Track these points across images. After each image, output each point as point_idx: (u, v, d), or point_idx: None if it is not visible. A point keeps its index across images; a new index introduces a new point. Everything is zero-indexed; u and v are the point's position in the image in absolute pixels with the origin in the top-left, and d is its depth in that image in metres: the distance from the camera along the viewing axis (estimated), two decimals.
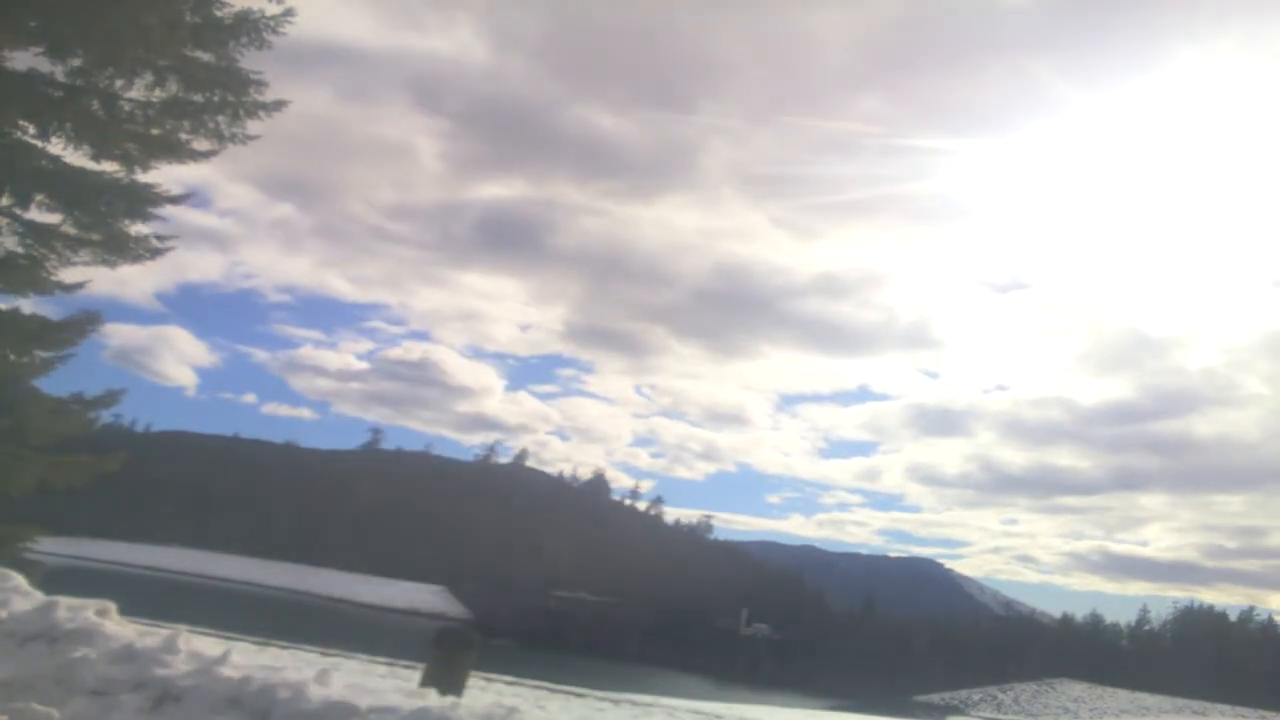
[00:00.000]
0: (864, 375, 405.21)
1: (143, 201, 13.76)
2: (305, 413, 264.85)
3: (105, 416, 19.78)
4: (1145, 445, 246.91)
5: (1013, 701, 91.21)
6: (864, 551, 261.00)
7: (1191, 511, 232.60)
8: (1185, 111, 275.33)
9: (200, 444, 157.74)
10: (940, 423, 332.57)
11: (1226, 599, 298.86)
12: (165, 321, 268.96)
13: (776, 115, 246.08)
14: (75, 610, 7.28)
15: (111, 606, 7.65)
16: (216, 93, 13.31)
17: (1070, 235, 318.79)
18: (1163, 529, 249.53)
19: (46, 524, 15.15)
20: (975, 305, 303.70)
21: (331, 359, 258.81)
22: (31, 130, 13.06)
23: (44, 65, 12.78)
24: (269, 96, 13.50)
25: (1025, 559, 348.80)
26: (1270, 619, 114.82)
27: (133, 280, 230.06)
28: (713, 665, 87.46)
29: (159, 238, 14.24)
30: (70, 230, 13.66)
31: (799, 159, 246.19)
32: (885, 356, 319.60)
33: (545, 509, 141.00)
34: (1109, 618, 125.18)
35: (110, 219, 13.73)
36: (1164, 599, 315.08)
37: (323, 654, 18.91)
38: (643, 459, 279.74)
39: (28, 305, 14.30)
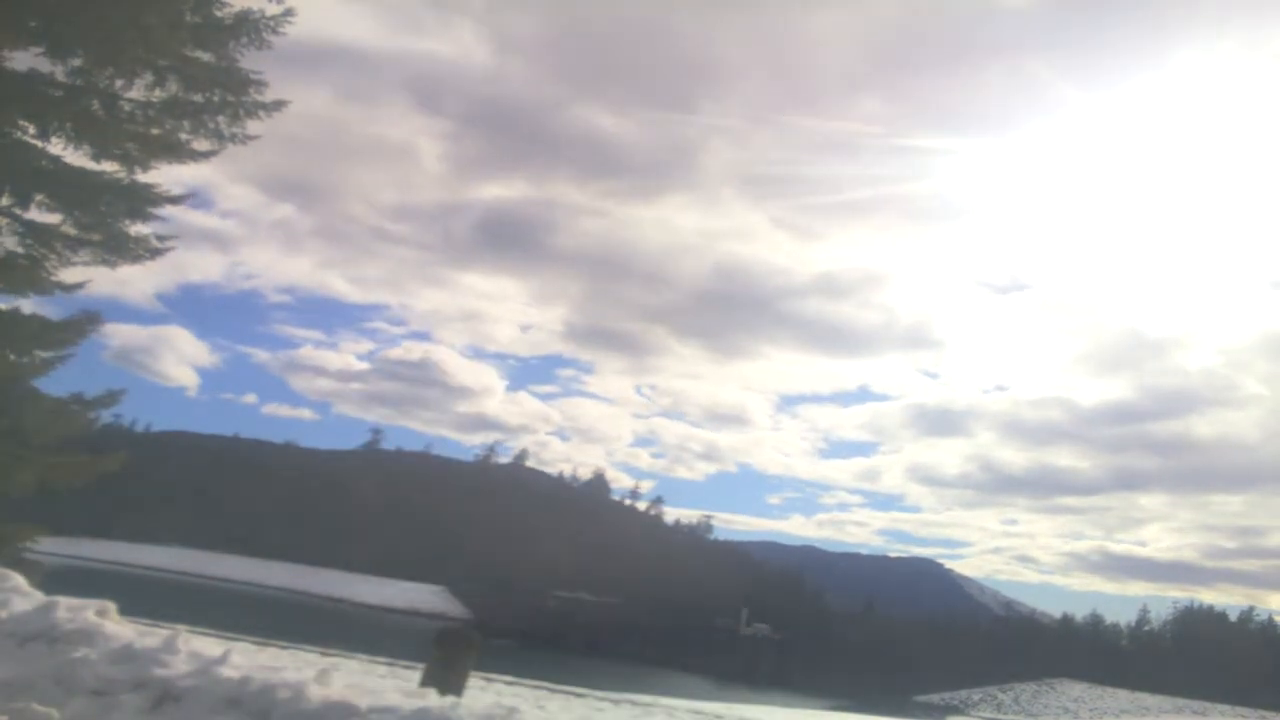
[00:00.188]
0: (864, 376, 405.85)
1: (143, 201, 13.76)
2: (306, 413, 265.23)
3: (105, 416, 19.76)
4: (1145, 446, 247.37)
5: (1013, 701, 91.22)
6: (864, 551, 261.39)
7: (1191, 512, 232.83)
8: (1185, 112, 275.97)
9: (200, 444, 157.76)
10: (940, 423, 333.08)
11: (1226, 599, 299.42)
12: (166, 322, 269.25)
13: (777, 115, 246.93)
14: (75, 610, 7.28)
15: (111, 606, 7.65)
16: (216, 93, 13.31)
17: (1070, 236, 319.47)
18: (1162, 529, 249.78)
19: (46, 524, 15.14)
20: (975, 305, 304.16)
21: (332, 359, 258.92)
22: (31, 130, 13.05)
23: (44, 65, 12.78)
24: (269, 96, 13.51)
25: (1025, 559, 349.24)
26: (1270, 619, 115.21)
27: (134, 280, 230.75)
28: (713, 665, 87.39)
29: (159, 238, 14.24)
30: (70, 230, 13.65)
31: (799, 159, 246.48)
32: (885, 357, 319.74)
33: (545, 509, 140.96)
34: (1109, 618, 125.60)
35: (110, 219, 13.73)
36: (1164, 599, 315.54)
37: (323, 654, 18.93)
38: (643, 459, 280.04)
39: (28, 305, 14.31)
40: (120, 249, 13.92)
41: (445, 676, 7.89)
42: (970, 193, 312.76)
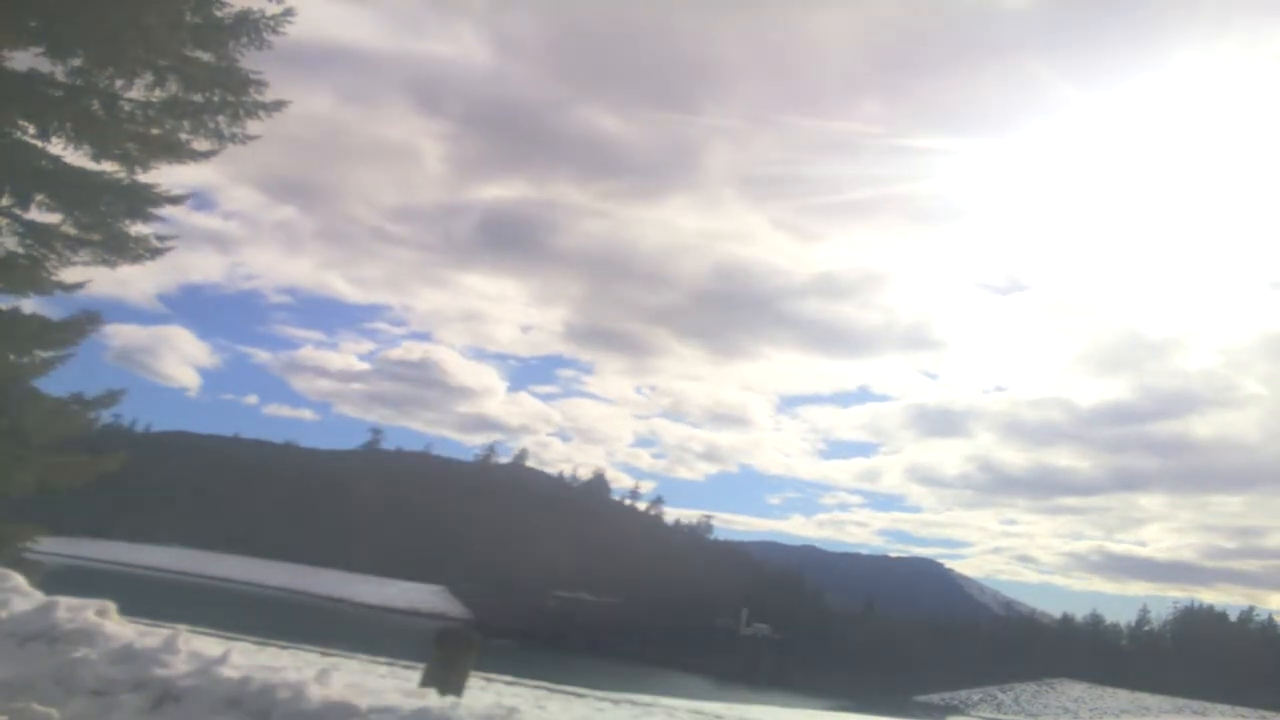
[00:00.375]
0: (864, 376, 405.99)
1: (143, 201, 13.76)
2: (307, 414, 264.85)
3: (105, 416, 19.77)
4: (1144, 446, 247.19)
5: (1013, 701, 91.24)
6: (864, 552, 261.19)
7: (1191, 512, 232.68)
8: (1184, 112, 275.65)
9: (200, 444, 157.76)
10: (940, 423, 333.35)
11: (1226, 599, 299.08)
12: (168, 322, 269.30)
13: (777, 116, 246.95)
14: (75, 610, 7.28)
15: (111, 606, 7.65)
16: (216, 93, 13.31)
17: (1069, 236, 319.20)
18: (1162, 529, 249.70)
19: (46, 524, 15.15)
20: (975, 306, 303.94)
21: (333, 360, 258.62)
22: (31, 130, 13.05)
23: (44, 65, 12.79)
24: (269, 96, 13.52)
25: (1025, 559, 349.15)
26: (1270, 619, 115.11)
27: (135, 281, 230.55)
28: (713, 665, 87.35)
29: (159, 238, 14.26)
30: (70, 230, 13.66)
31: (799, 160, 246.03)
32: (885, 357, 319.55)
33: (545, 509, 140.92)
34: (1109, 618, 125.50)
35: (110, 219, 13.73)
36: (1164, 599, 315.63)
37: (323, 654, 18.96)
38: (644, 460, 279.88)
39: (28, 305, 14.31)
40: (120, 249, 13.93)
41: (445, 676, 7.89)
42: (970, 193, 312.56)
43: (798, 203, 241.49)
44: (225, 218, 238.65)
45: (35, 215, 13.54)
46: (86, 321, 14.44)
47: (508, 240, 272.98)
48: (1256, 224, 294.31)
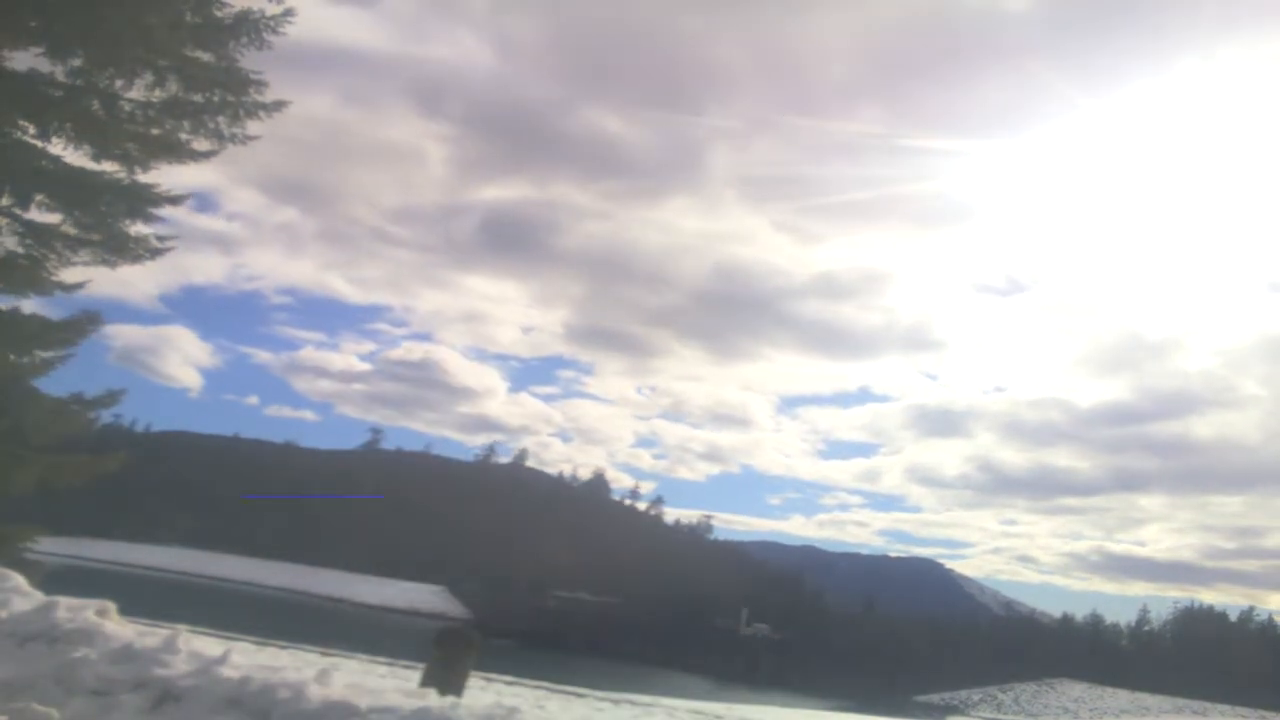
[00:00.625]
0: (865, 377, 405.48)
1: (143, 201, 13.75)
2: (308, 414, 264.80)
3: (105, 416, 19.79)
4: (1144, 446, 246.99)
5: (1013, 701, 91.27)
6: (864, 552, 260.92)
7: (1190, 512, 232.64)
8: (1184, 115, 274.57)
9: (200, 444, 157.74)
10: (940, 424, 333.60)
11: (1226, 599, 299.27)
12: (170, 323, 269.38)
13: (778, 118, 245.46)
14: (75, 610, 7.29)
15: (111, 606, 7.66)
16: (216, 93, 13.30)
17: (1069, 238, 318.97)
18: (1162, 530, 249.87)
19: (46, 524, 15.16)
20: (975, 307, 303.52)
21: (334, 360, 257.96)
22: (31, 130, 13.04)
23: (44, 65, 12.77)
24: (269, 97, 13.50)
25: (1025, 559, 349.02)
26: (1270, 619, 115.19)
27: (137, 281, 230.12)
28: (713, 665, 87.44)
29: (159, 238, 14.23)
30: (70, 230, 13.64)
31: (800, 162, 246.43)
32: (886, 358, 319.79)
33: (545, 509, 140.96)
34: (1109, 618, 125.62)
35: (110, 219, 13.72)
36: (1164, 599, 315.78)
37: (323, 654, 18.96)
38: (645, 460, 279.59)
39: (28, 305, 14.30)
40: (120, 249, 13.92)
41: (445, 676, 7.90)
42: (970, 195, 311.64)
43: (798, 204, 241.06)
44: (228, 219, 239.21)
45: (35, 215, 13.52)
46: (86, 321, 14.43)
47: (509, 241, 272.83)
48: (1255, 226, 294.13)
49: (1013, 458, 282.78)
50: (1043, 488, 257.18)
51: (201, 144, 13.68)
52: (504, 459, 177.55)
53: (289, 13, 12.96)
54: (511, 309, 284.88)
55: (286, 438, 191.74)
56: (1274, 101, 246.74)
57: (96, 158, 13.42)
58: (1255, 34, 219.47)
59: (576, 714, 16.52)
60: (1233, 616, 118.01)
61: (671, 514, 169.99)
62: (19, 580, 8.10)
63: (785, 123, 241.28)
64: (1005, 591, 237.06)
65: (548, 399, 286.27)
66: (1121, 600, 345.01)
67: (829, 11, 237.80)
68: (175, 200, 14.11)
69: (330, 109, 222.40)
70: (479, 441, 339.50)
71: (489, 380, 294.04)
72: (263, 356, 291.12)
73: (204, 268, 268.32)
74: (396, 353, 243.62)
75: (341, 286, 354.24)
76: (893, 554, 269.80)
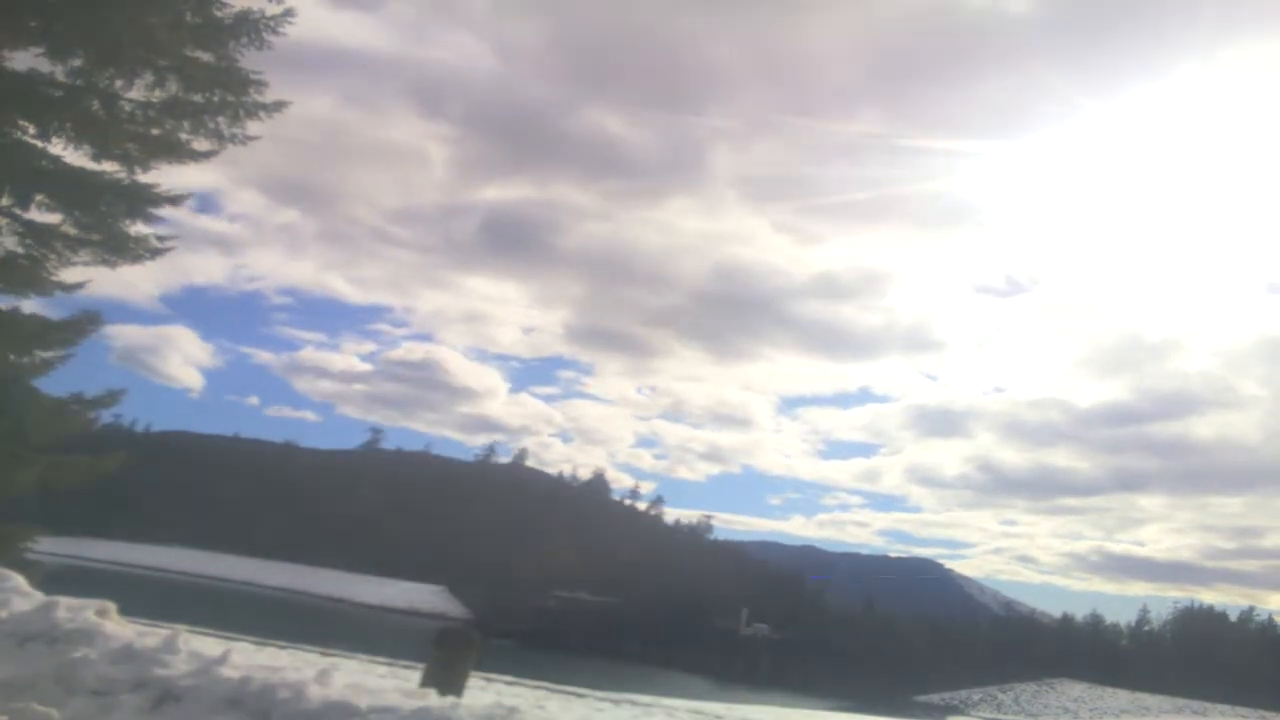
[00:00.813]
0: (865, 378, 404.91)
1: (143, 201, 13.76)
2: (309, 414, 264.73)
3: (105, 416, 19.77)
4: (1144, 447, 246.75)
5: (1013, 701, 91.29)
6: (864, 552, 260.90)
7: (1190, 512, 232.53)
8: (1183, 117, 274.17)
9: (200, 444, 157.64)
10: (940, 424, 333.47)
11: (1225, 599, 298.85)
12: (170, 323, 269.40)
13: (779, 119, 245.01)
14: (75, 610, 7.29)
15: (111, 606, 7.66)
16: (216, 93, 13.31)
17: (1069, 239, 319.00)
18: (1161, 530, 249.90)
19: (46, 524, 15.15)
20: (975, 308, 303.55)
21: (335, 361, 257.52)
22: (31, 130, 13.05)
23: (44, 65, 12.78)
24: (269, 97, 13.52)
25: (1025, 559, 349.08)
26: (1270, 619, 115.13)
27: (138, 281, 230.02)
28: (713, 665, 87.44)
29: (159, 238, 14.25)
30: (70, 230, 13.65)
31: (801, 162, 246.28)
32: (886, 359, 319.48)
33: (545, 509, 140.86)
34: (1109, 618, 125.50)
35: (110, 219, 13.73)
36: (1164, 599, 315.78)
37: (323, 654, 18.94)
38: (645, 460, 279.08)
39: (28, 305, 14.31)
40: (120, 249, 13.93)
41: (445, 676, 7.90)
42: (970, 196, 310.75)
43: (799, 204, 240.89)
44: (229, 220, 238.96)
45: (35, 215, 13.54)
46: (86, 321, 14.45)
47: (509, 242, 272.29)
48: (1254, 228, 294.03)
49: (1013, 458, 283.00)
50: (1043, 488, 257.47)
51: (201, 144, 13.70)
52: (504, 459, 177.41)
53: (289, 13, 12.98)
54: (512, 309, 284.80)
55: (287, 438, 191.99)
56: (1274, 103, 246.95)
57: (96, 158, 13.43)
58: (1256, 36, 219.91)
59: (576, 714, 16.52)
60: (1233, 616, 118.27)
61: (671, 514, 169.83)
62: (19, 580, 8.09)
63: (786, 123, 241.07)
64: (1005, 591, 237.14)
65: (548, 399, 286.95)
66: (1121, 600, 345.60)
67: (829, 12, 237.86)
68: (175, 200, 14.12)
69: (331, 110, 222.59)
70: (479, 441, 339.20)
71: (489, 380, 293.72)
72: (263, 357, 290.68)
73: (205, 268, 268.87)
74: (397, 353, 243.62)
75: (342, 287, 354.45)
76: (893, 554, 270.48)
